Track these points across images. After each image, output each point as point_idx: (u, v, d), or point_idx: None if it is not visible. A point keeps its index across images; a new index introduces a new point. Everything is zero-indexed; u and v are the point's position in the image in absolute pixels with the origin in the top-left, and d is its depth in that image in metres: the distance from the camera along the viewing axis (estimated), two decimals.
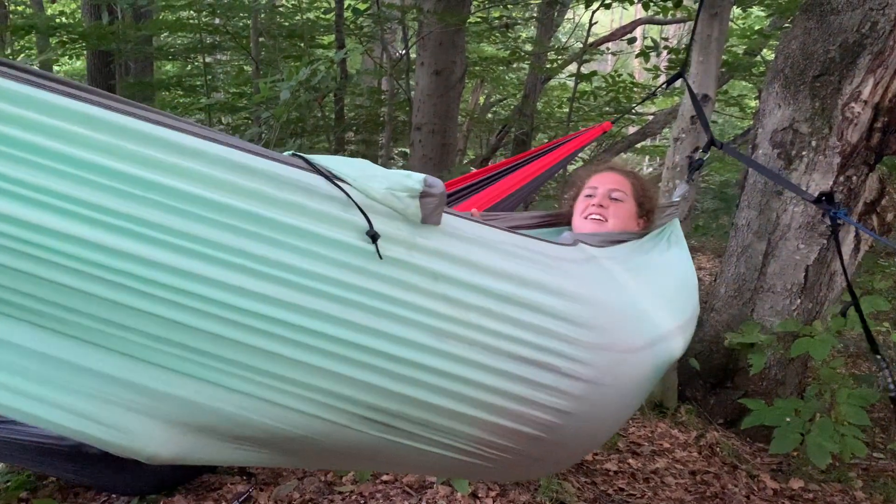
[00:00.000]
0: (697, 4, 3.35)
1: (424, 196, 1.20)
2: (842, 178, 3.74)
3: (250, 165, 1.08)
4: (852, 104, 3.65)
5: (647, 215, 2.19)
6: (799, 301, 3.87)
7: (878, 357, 2.26)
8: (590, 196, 2.14)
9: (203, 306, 1.08)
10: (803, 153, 3.79)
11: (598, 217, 2.10)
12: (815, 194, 2.23)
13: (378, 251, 1.16)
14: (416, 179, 1.22)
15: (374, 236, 1.15)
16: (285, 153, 1.18)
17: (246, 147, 1.10)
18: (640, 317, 1.76)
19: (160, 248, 1.03)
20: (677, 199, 2.46)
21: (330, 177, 1.15)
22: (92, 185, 0.99)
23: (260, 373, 1.15)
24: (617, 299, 1.70)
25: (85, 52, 8.14)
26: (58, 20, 8.09)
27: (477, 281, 1.31)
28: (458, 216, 1.36)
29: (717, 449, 3.63)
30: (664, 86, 3.09)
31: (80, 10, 9.81)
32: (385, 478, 3.00)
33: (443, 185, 1.25)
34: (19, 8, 10.30)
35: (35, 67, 1.00)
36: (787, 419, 3.31)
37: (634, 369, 1.71)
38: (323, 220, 1.13)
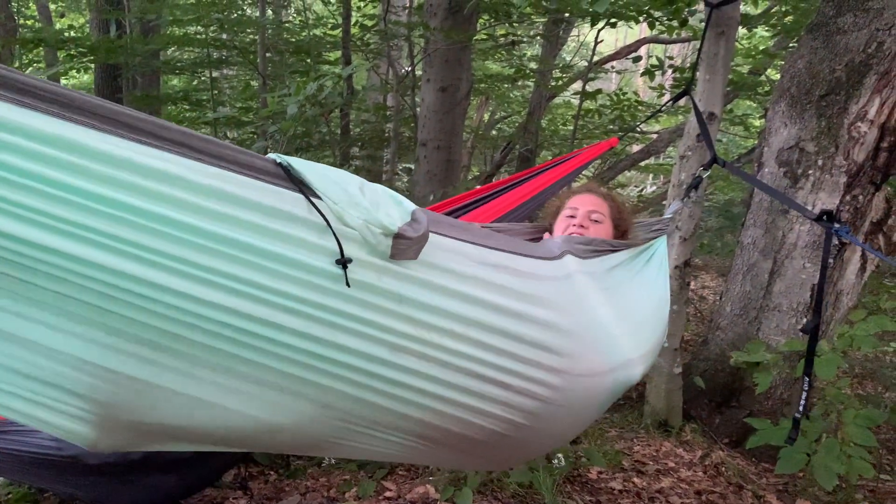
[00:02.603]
0: (704, 23, 3.36)
1: (399, 237, 1.23)
2: (848, 198, 3.73)
3: (232, 194, 1.14)
4: (858, 123, 3.65)
5: (623, 236, 2.25)
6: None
7: (806, 379, 2.25)
8: (571, 216, 2.22)
9: (169, 312, 1.18)
10: (809, 172, 3.79)
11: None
12: (818, 212, 2.21)
13: (347, 278, 1.23)
14: (397, 216, 1.25)
15: (344, 264, 1.22)
16: (268, 155, 1.22)
17: (226, 156, 1.15)
18: (606, 343, 1.80)
19: (127, 259, 1.11)
20: (669, 216, 2.47)
21: (311, 200, 1.19)
22: (77, 207, 1.06)
23: (221, 372, 1.27)
24: (587, 324, 1.73)
25: (93, 65, 8.18)
26: (66, 34, 8.16)
27: (443, 305, 1.38)
28: (441, 234, 1.39)
29: (723, 468, 3.60)
30: (670, 103, 3.10)
31: (88, 25, 9.89)
32: (388, 494, 2.99)
33: (425, 226, 1.28)
34: (28, 22, 10.39)
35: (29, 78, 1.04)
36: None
37: (590, 392, 1.76)
38: (298, 245, 1.20)
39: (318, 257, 1.21)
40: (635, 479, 3.40)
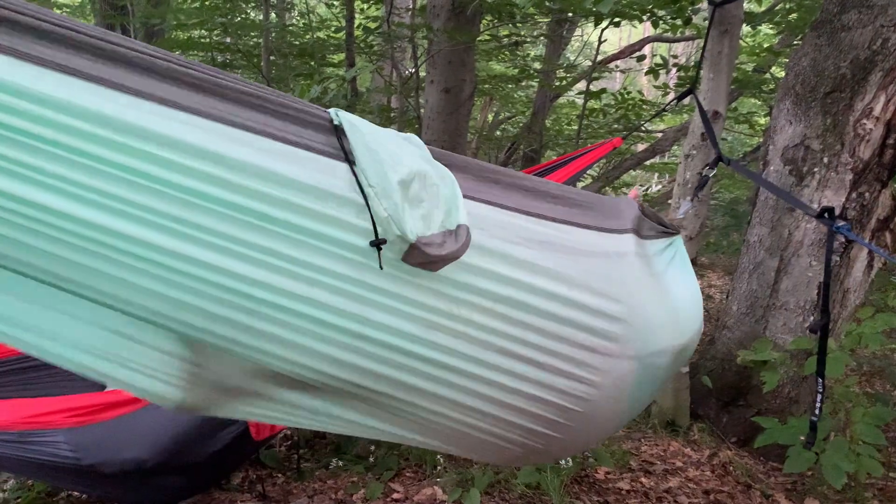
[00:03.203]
0: (708, 21, 3.36)
1: (413, 249, 1.21)
2: (854, 195, 3.72)
3: (274, 172, 1.12)
4: (864, 121, 3.64)
5: None
6: (812, 318, 3.83)
7: (819, 380, 2.19)
8: None
9: (207, 289, 1.18)
10: (815, 170, 3.77)
11: None
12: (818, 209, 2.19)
13: (380, 261, 1.21)
14: (437, 222, 1.22)
15: (378, 245, 1.20)
16: (329, 110, 1.20)
17: (276, 113, 1.14)
18: (649, 328, 1.76)
19: (166, 234, 1.11)
20: (681, 216, 2.45)
21: (358, 180, 1.17)
22: (124, 182, 1.06)
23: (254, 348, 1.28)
24: (635, 306, 1.68)
25: None
26: None
27: (479, 284, 1.35)
28: (489, 202, 1.35)
29: (731, 468, 3.59)
30: (675, 102, 3.10)
31: None
32: (396, 496, 2.99)
33: (462, 245, 1.23)
34: None
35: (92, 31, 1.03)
36: (802, 438, 3.27)
37: (627, 377, 1.72)
38: (334, 223, 1.19)
39: (353, 236, 1.20)
40: (643, 479, 3.40)
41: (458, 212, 1.25)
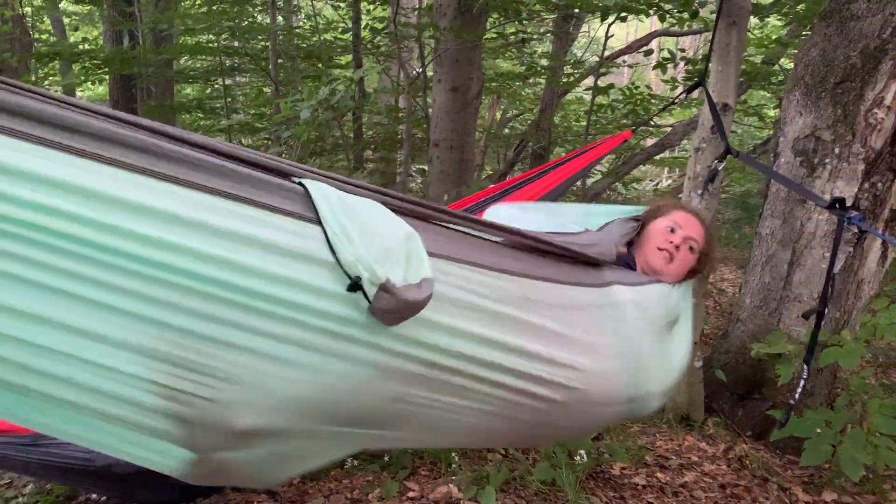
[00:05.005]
0: (715, 14, 3.35)
1: (382, 291, 1.16)
2: (867, 185, 3.69)
3: (247, 236, 1.11)
4: (875, 110, 3.61)
5: (691, 276, 2.20)
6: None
7: (805, 367, 2.21)
8: (672, 231, 2.13)
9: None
10: (826, 160, 3.75)
11: (668, 256, 2.10)
12: (829, 200, 2.19)
13: (367, 297, 1.16)
14: (398, 273, 1.18)
15: (356, 287, 1.15)
16: (304, 182, 1.20)
17: (250, 179, 1.14)
18: (636, 374, 1.77)
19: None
20: None
21: (328, 239, 1.16)
22: (82, 259, 1.06)
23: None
24: (624, 353, 1.70)
25: (107, 76, 8.27)
26: (81, 47, 8.24)
27: (454, 346, 1.35)
28: (464, 262, 1.35)
29: (747, 461, 3.58)
30: (684, 95, 3.09)
31: (102, 37, 9.98)
32: (411, 494, 3.00)
33: (424, 298, 1.20)
34: (43, 36, 10.50)
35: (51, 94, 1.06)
36: (818, 430, 3.25)
37: (598, 417, 1.78)
38: (314, 292, 1.17)
39: (332, 302, 1.18)
40: (658, 475, 3.39)
41: (419, 267, 1.22)
